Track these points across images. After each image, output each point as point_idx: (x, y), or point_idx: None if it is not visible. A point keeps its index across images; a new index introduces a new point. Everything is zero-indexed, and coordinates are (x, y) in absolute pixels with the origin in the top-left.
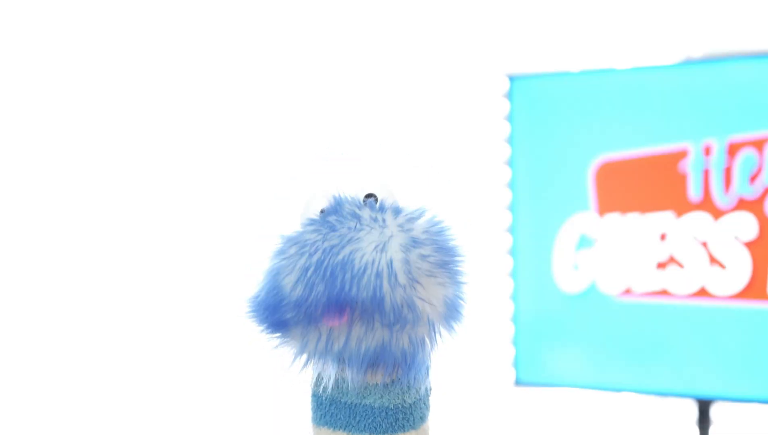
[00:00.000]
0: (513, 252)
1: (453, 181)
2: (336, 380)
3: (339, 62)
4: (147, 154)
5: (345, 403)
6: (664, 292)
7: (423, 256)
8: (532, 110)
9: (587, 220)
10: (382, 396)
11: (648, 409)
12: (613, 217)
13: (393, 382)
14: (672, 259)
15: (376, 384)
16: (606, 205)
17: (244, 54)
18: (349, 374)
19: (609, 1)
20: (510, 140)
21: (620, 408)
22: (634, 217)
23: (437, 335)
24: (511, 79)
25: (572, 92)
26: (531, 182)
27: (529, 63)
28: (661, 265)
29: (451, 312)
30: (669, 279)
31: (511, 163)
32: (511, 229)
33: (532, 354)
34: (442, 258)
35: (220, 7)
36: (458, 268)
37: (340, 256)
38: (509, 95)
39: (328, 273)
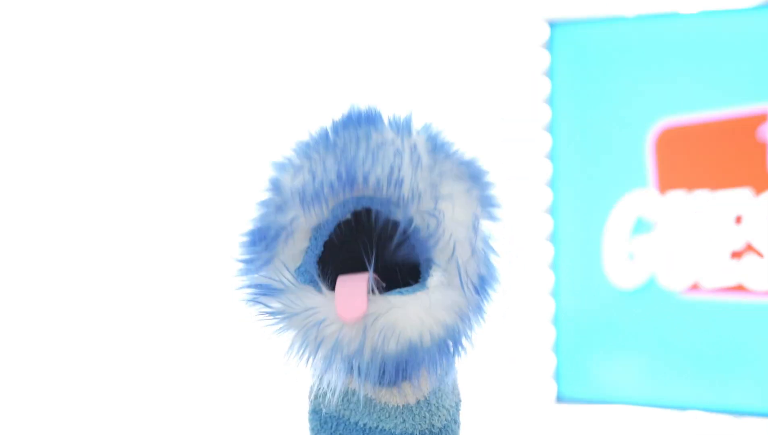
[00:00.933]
0: (554, 238)
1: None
2: (344, 393)
3: (362, 10)
4: (136, 154)
5: (356, 425)
6: (740, 288)
7: (449, 156)
8: (577, 64)
9: (645, 199)
10: (405, 420)
11: (722, 431)
12: (677, 196)
13: (419, 402)
14: (749, 247)
15: (397, 406)
16: (668, 181)
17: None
18: (362, 385)
19: None
20: (550, 101)
21: (686, 430)
22: (702, 196)
23: (474, 302)
24: (552, 25)
25: (626, 42)
26: (576, 152)
27: (573, 6)
28: (736, 255)
29: (480, 241)
30: (746, 271)
31: (551, 128)
32: (552, 211)
33: (577, 364)
34: (471, 170)
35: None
36: (487, 186)
37: (354, 135)
38: (549, 45)
39: (339, 148)
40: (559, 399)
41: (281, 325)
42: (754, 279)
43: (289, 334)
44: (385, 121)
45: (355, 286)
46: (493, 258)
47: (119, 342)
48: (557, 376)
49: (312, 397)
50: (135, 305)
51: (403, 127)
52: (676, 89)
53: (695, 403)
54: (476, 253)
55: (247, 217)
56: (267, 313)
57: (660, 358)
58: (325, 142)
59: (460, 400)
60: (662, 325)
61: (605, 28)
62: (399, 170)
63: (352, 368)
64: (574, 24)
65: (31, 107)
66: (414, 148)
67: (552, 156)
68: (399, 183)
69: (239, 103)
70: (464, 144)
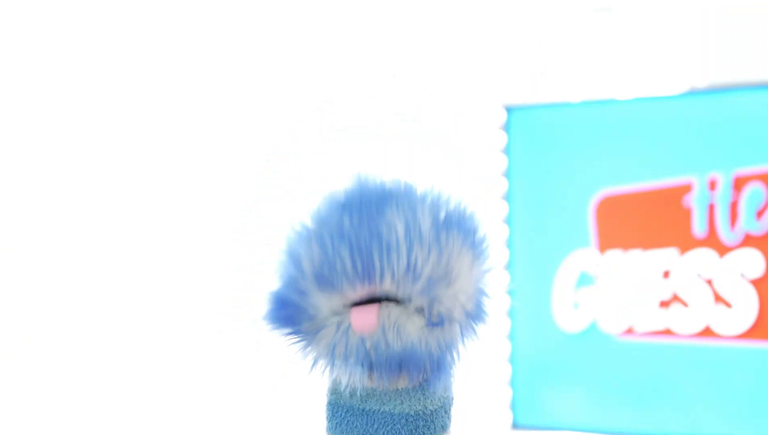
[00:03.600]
0: (511, 290)
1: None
2: (353, 386)
3: (336, 89)
4: (129, 155)
5: (362, 410)
6: (667, 332)
7: (453, 233)
8: (530, 142)
9: (587, 256)
10: (402, 402)
11: None
12: (615, 254)
13: (414, 387)
14: (675, 298)
15: (397, 389)
16: (607, 242)
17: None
18: (376, 379)
19: (610, 30)
20: (507, 174)
21: None
22: (636, 254)
23: (466, 330)
24: (509, 110)
25: (572, 124)
26: (529, 217)
27: (527, 93)
28: (665, 304)
29: (476, 299)
30: (672, 318)
31: (508, 197)
32: (509, 267)
33: (531, 395)
34: (471, 239)
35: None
36: (484, 250)
37: (367, 226)
38: (506, 127)
39: (353, 239)
40: (515, 426)
41: (306, 344)
42: (679, 324)
43: (314, 348)
44: (392, 204)
45: (367, 309)
46: (485, 303)
47: (118, 343)
48: (513, 406)
49: (328, 392)
50: (135, 306)
51: (408, 209)
52: (614, 164)
53: (630, 429)
54: (474, 308)
55: (269, 282)
56: (292, 332)
57: (600, 391)
58: (338, 229)
59: (452, 398)
60: (602, 363)
61: (554, 112)
62: (414, 268)
63: (365, 367)
64: (527, 109)
65: (25, 107)
66: (422, 237)
67: (509, 220)
68: (417, 278)
69: (235, 97)
70: (460, 203)
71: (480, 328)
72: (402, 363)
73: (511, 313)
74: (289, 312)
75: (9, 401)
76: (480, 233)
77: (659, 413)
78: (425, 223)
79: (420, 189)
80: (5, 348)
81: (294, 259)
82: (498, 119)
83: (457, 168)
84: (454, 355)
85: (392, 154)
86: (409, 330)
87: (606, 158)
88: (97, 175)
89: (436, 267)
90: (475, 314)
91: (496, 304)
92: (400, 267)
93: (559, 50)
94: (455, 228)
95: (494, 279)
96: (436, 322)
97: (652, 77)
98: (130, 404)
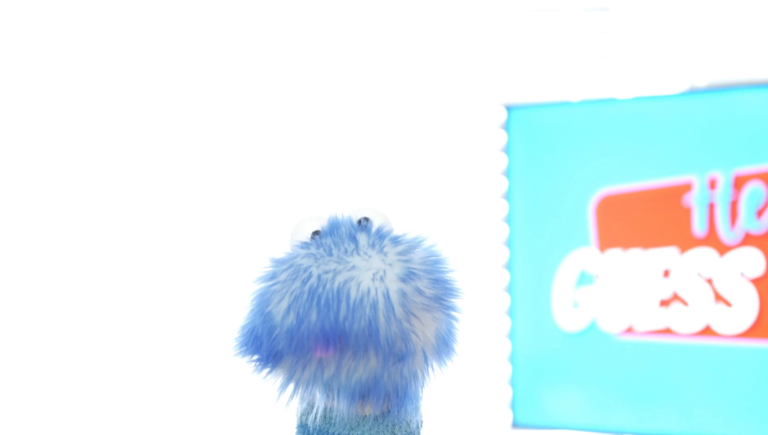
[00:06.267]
0: (510, 289)
1: (448, 214)
2: (324, 411)
3: (332, 90)
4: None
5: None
6: (667, 331)
7: (419, 290)
8: (530, 142)
9: (587, 255)
10: (371, 428)
11: None
12: (615, 253)
13: (383, 414)
14: (675, 297)
15: (366, 416)
16: (607, 241)
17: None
18: (338, 405)
19: (609, 28)
20: (507, 173)
21: None
22: (636, 253)
23: (429, 369)
24: (508, 109)
25: (572, 123)
26: (529, 216)
27: (526, 92)
28: (665, 303)
29: (444, 346)
30: (672, 317)
31: (508, 196)
32: (509, 265)
33: (531, 395)
34: (438, 292)
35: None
36: (453, 303)
37: (335, 284)
38: (506, 126)
39: (322, 301)
40: (515, 425)
41: (270, 370)
42: (679, 324)
43: (280, 370)
44: (361, 250)
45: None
46: (453, 340)
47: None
48: (513, 406)
49: (299, 414)
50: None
51: (377, 262)
52: (613, 163)
53: (630, 428)
54: (439, 347)
55: (240, 318)
56: (257, 360)
57: (600, 390)
58: (309, 292)
59: (422, 422)
60: (602, 362)
61: (554, 112)
62: (375, 322)
63: (330, 390)
64: (527, 108)
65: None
66: (387, 295)
67: (509, 219)
68: (375, 333)
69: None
70: (432, 258)
71: (447, 362)
72: (365, 392)
73: (511, 312)
74: (256, 344)
75: (9, 401)
76: (450, 285)
77: (659, 412)
78: (392, 282)
79: (391, 233)
80: (5, 348)
81: (264, 310)
82: (498, 118)
83: (457, 168)
84: (419, 385)
85: (392, 154)
86: (373, 360)
87: (606, 157)
88: (96, 175)
89: (398, 328)
90: (442, 350)
91: (464, 344)
92: (361, 329)
93: (558, 50)
94: (424, 279)
95: (463, 324)
96: (399, 359)
97: (651, 77)
98: (130, 404)
